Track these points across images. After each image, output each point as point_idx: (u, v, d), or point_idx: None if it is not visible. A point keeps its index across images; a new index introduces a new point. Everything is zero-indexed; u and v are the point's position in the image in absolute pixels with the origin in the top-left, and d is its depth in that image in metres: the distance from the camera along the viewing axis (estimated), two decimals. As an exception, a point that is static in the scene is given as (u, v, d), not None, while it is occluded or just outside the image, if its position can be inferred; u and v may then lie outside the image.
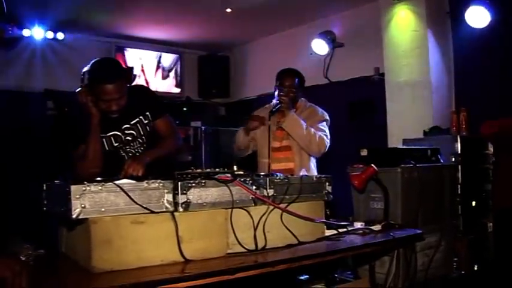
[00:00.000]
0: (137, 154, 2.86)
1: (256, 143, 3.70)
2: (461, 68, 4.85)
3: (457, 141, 3.79)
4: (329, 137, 3.59)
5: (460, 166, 3.70)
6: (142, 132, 2.86)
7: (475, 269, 3.60)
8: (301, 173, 3.44)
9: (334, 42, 5.93)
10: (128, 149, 2.84)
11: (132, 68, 3.36)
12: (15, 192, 4.92)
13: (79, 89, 2.63)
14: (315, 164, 3.67)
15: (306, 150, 3.55)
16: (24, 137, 5.80)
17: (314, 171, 3.61)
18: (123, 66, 2.83)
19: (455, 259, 3.36)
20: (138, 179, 1.85)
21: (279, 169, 3.42)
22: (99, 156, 2.66)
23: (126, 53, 7.12)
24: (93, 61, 2.68)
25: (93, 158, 2.64)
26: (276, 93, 3.61)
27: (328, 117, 3.70)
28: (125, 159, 2.81)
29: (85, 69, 2.65)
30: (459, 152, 3.76)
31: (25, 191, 3.42)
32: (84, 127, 2.67)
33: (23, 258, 1.92)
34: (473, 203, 3.78)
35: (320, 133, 3.53)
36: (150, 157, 2.66)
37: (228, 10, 5.85)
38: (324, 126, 3.62)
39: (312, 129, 3.51)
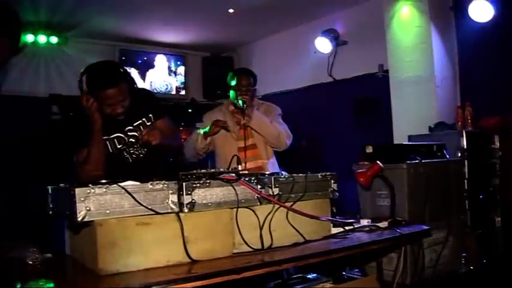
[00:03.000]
0: (140, 156, 2.87)
1: (214, 146, 3.68)
2: (466, 62, 4.84)
3: (462, 136, 3.77)
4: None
5: (466, 161, 3.68)
6: None
7: (484, 264, 3.58)
8: (270, 168, 3.57)
9: (337, 40, 5.93)
10: (132, 151, 2.85)
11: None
12: (21, 196, 4.95)
13: (82, 94, 2.64)
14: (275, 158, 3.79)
15: (274, 144, 3.64)
16: (29, 141, 5.82)
17: (277, 165, 3.73)
18: (121, 67, 2.83)
19: (464, 254, 3.33)
20: (142, 180, 1.84)
21: (250, 167, 3.48)
22: (101, 160, 2.68)
23: (129, 56, 7.13)
24: (89, 65, 2.70)
25: (96, 162, 2.66)
26: (232, 94, 3.61)
27: (281, 111, 3.79)
28: (128, 161, 2.83)
29: (82, 73, 2.67)
30: (465, 147, 3.74)
31: (30, 195, 3.44)
32: (85, 131, 2.68)
33: (30, 262, 1.93)
34: (481, 198, 3.75)
35: (282, 125, 3.65)
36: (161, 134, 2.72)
37: (231, 11, 5.86)
38: (281, 120, 3.72)
39: (275, 124, 3.60)
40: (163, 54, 7.49)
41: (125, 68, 2.99)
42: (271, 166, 3.65)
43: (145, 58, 7.32)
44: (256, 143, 3.64)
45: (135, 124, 2.84)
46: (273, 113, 3.70)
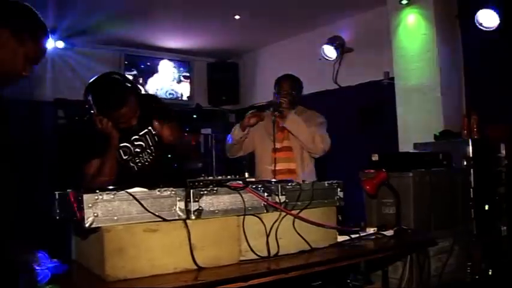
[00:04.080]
0: (146, 164, 2.86)
1: (254, 146, 3.74)
2: (471, 70, 4.83)
3: (468, 145, 3.76)
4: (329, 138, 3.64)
5: (472, 170, 3.67)
6: (150, 143, 2.87)
7: (490, 273, 3.57)
8: (302, 174, 3.50)
9: (343, 48, 5.94)
10: (137, 160, 2.85)
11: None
12: (27, 201, 4.96)
13: (95, 114, 2.63)
14: (314, 167, 3.72)
15: (310, 149, 3.59)
16: (35, 146, 5.83)
17: (314, 173, 3.66)
18: (126, 80, 2.79)
19: (469, 263, 3.33)
20: (150, 187, 1.85)
21: (281, 169, 3.51)
22: (114, 172, 2.68)
23: (135, 62, 7.16)
24: (93, 83, 2.66)
25: (109, 173, 2.66)
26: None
27: (326, 121, 3.75)
28: (134, 169, 2.83)
29: (87, 91, 2.63)
30: (471, 155, 3.73)
31: (37, 200, 3.44)
32: (97, 143, 2.70)
33: (38, 268, 1.93)
34: (487, 207, 3.74)
35: (321, 132, 3.59)
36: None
37: (237, 17, 5.88)
38: (324, 128, 3.66)
39: (313, 128, 3.56)
40: (169, 60, 7.51)
41: (128, 77, 2.98)
42: (307, 172, 3.59)
43: (150, 64, 7.34)
44: (292, 146, 3.63)
45: (140, 133, 2.84)
46: (315, 120, 3.67)
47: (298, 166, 3.60)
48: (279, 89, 3.71)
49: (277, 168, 3.52)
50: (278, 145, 3.63)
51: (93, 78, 2.69)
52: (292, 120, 3.55)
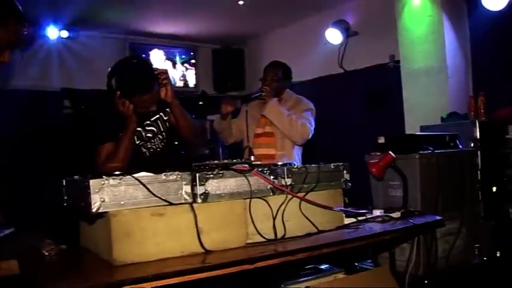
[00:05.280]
0: (158, 150, 2.86)
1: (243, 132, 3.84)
2: (478, 52, 4.79)
3: (475, 127, 3.74)
4: (313, 125, 3.69)
5: (479, 152, 3.65)
6: (162, 129, 2.87)
7: (497, 255, 3.56)
8: (284, 159, 3.54)
9: (348, 31, 5.90)
10: (149, 146, 2.85)
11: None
12: (35, 189, 5.00)
13: (117, 96, 2.59)
14: (300, 154, 3.78)
15: (288, 136, 3.64)
16: (41, 135, 5.86)
17: (297, 161, 3.69)
18: (152, 68, 2.75)
19: (477, 246, 3.32)
20: (156, 171, 1.85)
21: (260, 154, 3.56)
22: (128, 157, 2.67)
23: (139, 49, 7.15)
24: (119, 65, 2.66)
25: (123, 158, 2.65)
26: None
27: (313, 107, 3.80)
28: (146, 155, 2.83)
29: (112, 73, 2.62)
30: (478, 137, 3.71)
31: (44, 188, 3.47)
32: (111, 126, 2.70)
33: (46, 253, 1.95)
34: (494, 189, 3.73)
35: (302, 120, 3.62)
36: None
37: (241, 2, 5.85)
38: (309, 115, 3.71)
39: (294, 116, 3.61)
40: (174, 47, 7.51)
41: (151, 63, 2.96)
42: (287, 159, 3.60)
43: (155, 51, 7.32)
44: (274, 132, 3.70)
45: (152, 119, 2.84)
46: (300, 106, 3.72)
47: (277, 152, 3.66)
48: (264, 75, 3.81)
49: (256, 153, 3.55)
50: (260, 130, 3.75)
51: (121, 60, 2.70)
52: (270, 108, 3.63)
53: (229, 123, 3.80)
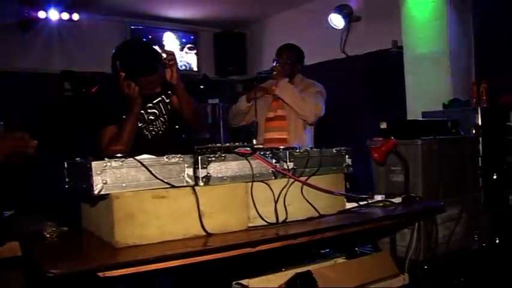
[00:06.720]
0: (159, 133, 2.86)
1: (255, 116, 3.76)
2: (481, 38, 4.75)
3: (477, 113, 3.73)
4: (324, 106, 3.64)
5: (480, 138, 3.65)
6: (164, 111, 2.86)
7: (497, 241, 3.58)
8: (294, 144, 3.48)
9: (351, 16, 5.84)
10: (151, 128, 2.84)
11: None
12: (37, 171, 5.00)
13: (122, 78, 2.58)
14: (311, 136, 3.72)
15: (301, 115, 3.59)
16: (42, 118, 5.85)
17: (308, 143, 3.64)
18: (154, 50, 2.77)
19: (477, 232, 3.34)
20: (158, 154, 1.85)
21: (272, 138, 3.57)
22: (131, 139, 2.67)
23: (141, 33, 7.11)
24: (122, 47, 2.66)
25: (127, 141, 2.64)
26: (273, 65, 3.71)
27: (324, 91, 3.74)
28: (147, 137, 2.82)
29: (115, 56, 2.61)
30: (480, 123, 3.70)
31: (46, 170, 3.46)
32: (115, 109, 2.69)
33: (47, 235, 1.95)
34: (495, 176, 3.73)
35: (314, 99, 3.59)
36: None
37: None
38: (319, 97, 3.65)
39: (304, 96, 3.58)
40: (175, 30, 7.46)
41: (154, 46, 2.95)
42: (299, 142, 3.52)
43: (156, 34, 7.29)
44: (286, 116, 3.65)
45: (154, 101, 2.83)
46: (311, 89, 3.68)
47: (290, 136, 3.62)
48: (277, 56, 3.75)
49: (268, 137, 3.59)
50: (272, 114, 3.72)
51: (125, 42, 2.69)
52: (282, 86, 3.59)
53: (250, 107, 3.75)
